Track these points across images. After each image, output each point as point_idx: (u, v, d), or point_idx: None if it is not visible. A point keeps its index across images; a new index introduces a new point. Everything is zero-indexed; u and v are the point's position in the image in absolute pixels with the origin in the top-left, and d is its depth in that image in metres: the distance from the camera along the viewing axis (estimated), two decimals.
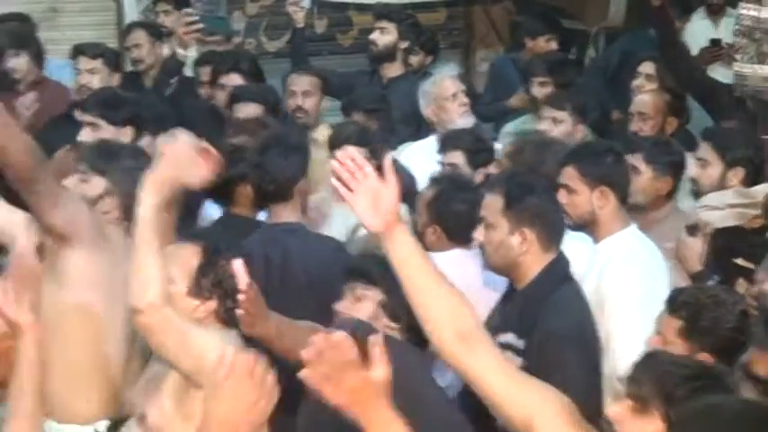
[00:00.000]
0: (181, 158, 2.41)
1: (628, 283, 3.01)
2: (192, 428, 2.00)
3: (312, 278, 3.20)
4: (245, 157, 3.46)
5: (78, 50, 4.65)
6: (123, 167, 3.05)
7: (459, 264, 3.09)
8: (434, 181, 3.39)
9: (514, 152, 3.67)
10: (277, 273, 3.24)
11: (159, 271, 2.31)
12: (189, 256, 2.50)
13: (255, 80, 4.57)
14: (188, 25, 4.93)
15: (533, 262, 2.70)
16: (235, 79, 4.48)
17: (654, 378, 1.89)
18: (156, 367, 2.46)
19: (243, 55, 5.24)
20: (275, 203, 3.39)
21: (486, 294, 2.96)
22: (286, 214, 3.35)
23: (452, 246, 3.23)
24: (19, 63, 4.76)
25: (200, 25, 5.00)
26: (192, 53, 4.92)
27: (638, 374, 1.94)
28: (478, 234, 2.86)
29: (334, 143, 3.84)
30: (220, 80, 4.50)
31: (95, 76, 4.50)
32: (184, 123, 3.37)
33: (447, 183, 3.39)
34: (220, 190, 3.35)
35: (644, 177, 3.57)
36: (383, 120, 4.41)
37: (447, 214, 3.23)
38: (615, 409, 1.97)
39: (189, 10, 5.40)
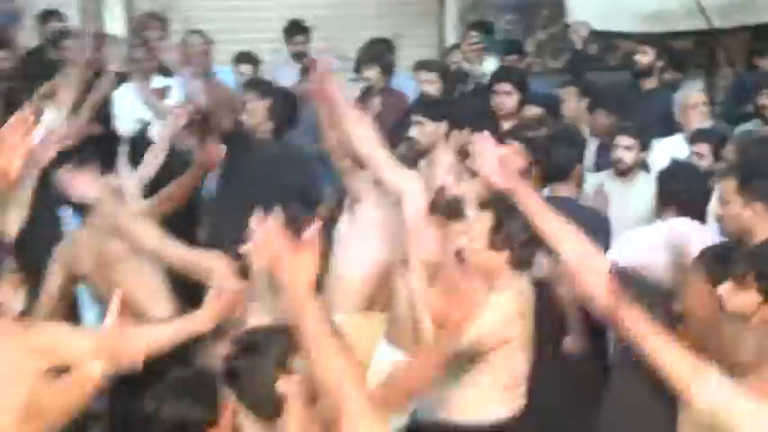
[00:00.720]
0: None
1: None
2: None
3: None
4: (535, 146, 3.91)
5: (421, 65, 5.51)
6: None
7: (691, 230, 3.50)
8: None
9: (744, 146, 4.13)
10: None
11: None
12: (485, 220, 3.02)
13: (521, 90, 5.05)
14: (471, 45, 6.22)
15: (763, 230, 2.99)
16: (505, 87, 5.03)
17: (748, 258, 2.41)
18: None
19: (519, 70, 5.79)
20: (556, 183, 3.91)
21: None
22: (564, 190, 3.89)
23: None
24: (371, 74, 5.64)
25: (481, 45, 6.13)
26: (490, 67, 5.90)
27: (735, 257, 2.45)
28: (714, 208, 3.36)
29: None
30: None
31: (432, 86, 5.25)
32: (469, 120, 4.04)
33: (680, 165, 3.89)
34: None
35: None
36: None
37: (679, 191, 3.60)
38: (722, 287, 2.39)
39: (473, 33, 6.46)
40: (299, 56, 6.51)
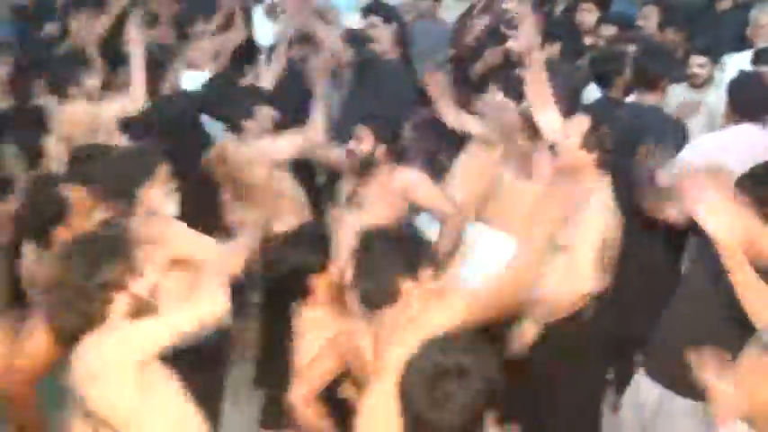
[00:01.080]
0: None
1: None
2: None
3: None
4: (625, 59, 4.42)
5: None
6: None
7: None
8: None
9: None
10: None
11: None
12: (582, 122, 3.38)
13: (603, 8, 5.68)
14: None
15: None
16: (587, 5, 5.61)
17: None
18: None
19: None
20: (644, 92, 4.24)
21: None
22: (651, 99, 4.22)
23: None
24: None
25: None
26: None
27: None
28: None
29: None
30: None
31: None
32: None
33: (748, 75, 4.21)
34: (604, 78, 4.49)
35: None
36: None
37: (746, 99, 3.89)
38: None
39: None
40: None
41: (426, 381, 1.90)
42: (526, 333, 3.34)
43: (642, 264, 3.77)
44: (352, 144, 3.82)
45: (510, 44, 3.74)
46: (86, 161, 3.45)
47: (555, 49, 5.15)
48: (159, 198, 3.15)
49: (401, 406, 1.96)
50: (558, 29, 5.53)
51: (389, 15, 5.32)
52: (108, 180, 3.16)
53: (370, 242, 2.45)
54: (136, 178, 3.10)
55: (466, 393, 1.89)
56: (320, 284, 2.85)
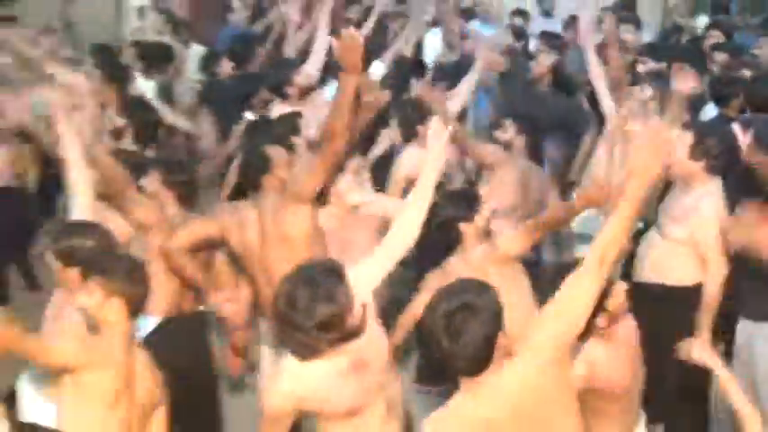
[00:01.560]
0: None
1: None
2: None
3: None
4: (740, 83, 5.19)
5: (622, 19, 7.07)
6: None
7: None
8: None
9: None
10: None
11: None
12: (686, 138, 4.00)
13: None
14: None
15: None
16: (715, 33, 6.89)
17: None
18: None
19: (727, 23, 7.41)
20: (754, 112, 4.82)
21: None
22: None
23: None
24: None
25: None
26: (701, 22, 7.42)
27: None
28: None
29: None
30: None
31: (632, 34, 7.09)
32: None
33: None
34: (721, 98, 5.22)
35: None
36: None
37: None
38: None
39: None
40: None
41: (443, 318, 2.41)
42: None
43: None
44: (497, 132, 5.14)
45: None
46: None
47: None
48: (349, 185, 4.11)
49: (427, 344, 2.47)
50: (688, 54, 6.48)
51: (555, 45, 6.71)
52: None
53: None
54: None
55: (477, 326, 2.38)
56: (468, 232, 3.76)
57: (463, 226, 3.78)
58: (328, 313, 2.64)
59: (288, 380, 2.81)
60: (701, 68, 6.22)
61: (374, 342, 2.98)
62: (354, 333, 2.74)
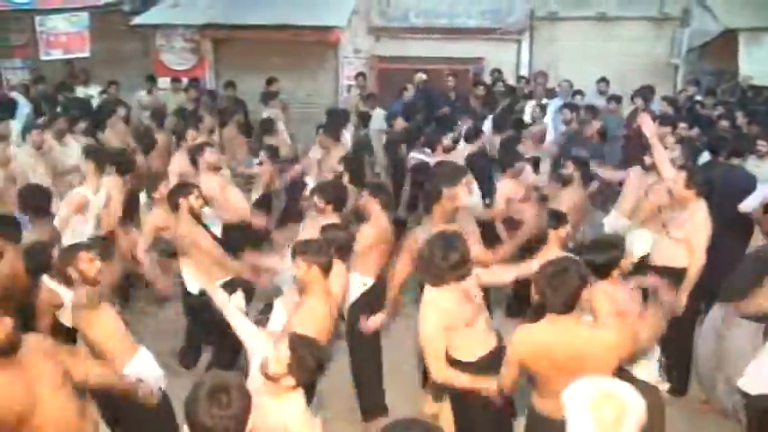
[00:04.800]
0: None
1: None
2: None
3: None
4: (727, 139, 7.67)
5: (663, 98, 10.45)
6: None
7: None
8: None
9: None
10: None
11: None
12: (682, 174, 5.82)
13: None
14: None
15: None
16: None
17: None
18: None
19: None
20: (735, 158, 7.29)
21: None
22: (735, 161, 7.31)
23: None
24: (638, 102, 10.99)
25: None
26: None
27: None
28: None
29: None
30: None
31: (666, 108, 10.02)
32: None
33: None
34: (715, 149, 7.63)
35: None
36: None
37: None
38: None
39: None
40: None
41: (549, 275, 3.64)
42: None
43: (722, 247, 5.98)
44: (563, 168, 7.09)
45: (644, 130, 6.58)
46: None
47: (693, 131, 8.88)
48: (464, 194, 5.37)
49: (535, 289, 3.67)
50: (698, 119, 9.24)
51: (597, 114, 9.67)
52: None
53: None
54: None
55: (572, 281, 3.60)
56: (553, 237, 5.35)
57: (552, 232, 5.46)
58: (457, 258, 4.15)
59: (432, 304, 4.21)
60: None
61: (474, 282, 4.45)
62: (467, 274, 4.27)
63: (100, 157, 7.06)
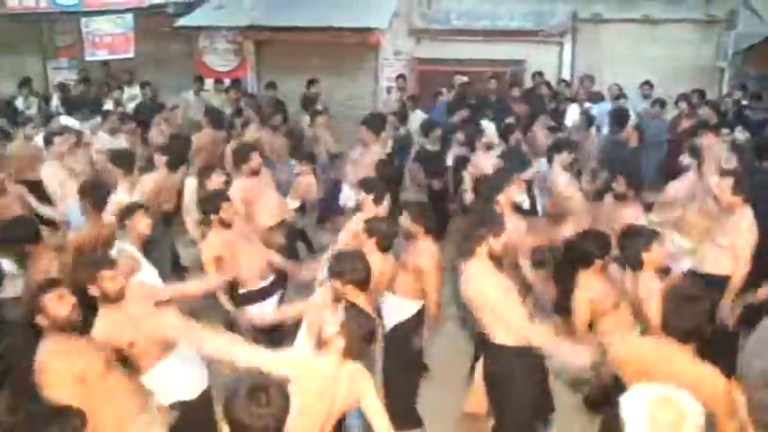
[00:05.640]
0: None
1: None
2: None
3: None
4: None
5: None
6: None
7: None
8: None
9: None
10: None
11: None
12: (728, 180, 5.83)
13: None
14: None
15: None
16: None
17: None
18: None
19: None
20: None
21: None
22: None
23: None
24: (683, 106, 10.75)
25: None
26: None
27: None
28: None
29: None
30: None
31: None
32: None
33: None
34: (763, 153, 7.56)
35: None
36: None
37: None
38: None
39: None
40: None
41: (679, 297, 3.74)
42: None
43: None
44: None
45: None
46: None
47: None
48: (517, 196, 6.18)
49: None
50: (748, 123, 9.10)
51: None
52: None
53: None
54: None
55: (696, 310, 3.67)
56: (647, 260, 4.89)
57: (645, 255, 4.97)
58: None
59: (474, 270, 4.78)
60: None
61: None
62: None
63: (122, 160, 7.21)
